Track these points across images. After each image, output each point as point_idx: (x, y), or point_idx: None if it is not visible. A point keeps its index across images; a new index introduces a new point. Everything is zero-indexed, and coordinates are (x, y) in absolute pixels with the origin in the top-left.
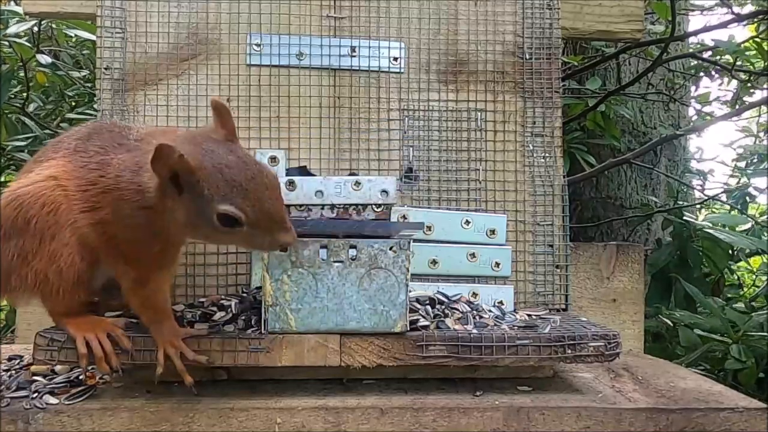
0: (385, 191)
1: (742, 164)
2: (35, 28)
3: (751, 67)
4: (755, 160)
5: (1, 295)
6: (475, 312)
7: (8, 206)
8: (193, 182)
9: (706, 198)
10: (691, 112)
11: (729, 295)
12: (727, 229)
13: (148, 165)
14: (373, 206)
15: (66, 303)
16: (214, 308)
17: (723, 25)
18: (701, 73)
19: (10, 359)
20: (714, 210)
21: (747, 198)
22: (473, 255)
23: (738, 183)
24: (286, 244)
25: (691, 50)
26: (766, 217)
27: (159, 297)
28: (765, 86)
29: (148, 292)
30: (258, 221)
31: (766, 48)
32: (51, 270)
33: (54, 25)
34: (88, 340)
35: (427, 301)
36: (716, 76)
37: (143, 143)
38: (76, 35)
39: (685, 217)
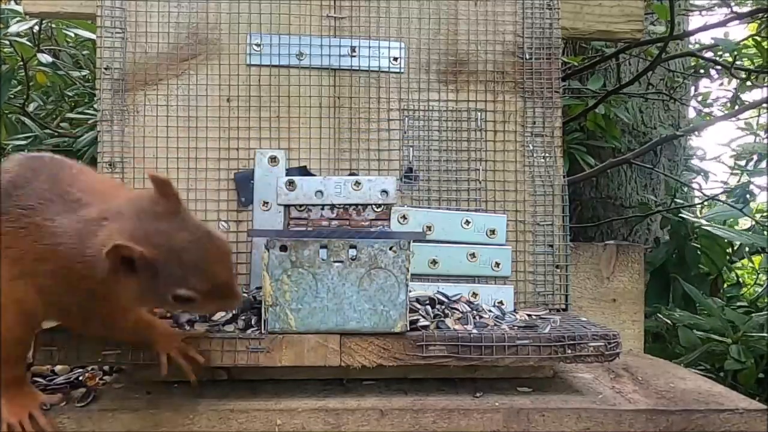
0: (385, 191)
1: (742, 162)
2: (35, 28)
3: (751, 65)
4: (755, 158)
5: None
6: (475, 312)
7: None
8: (149, 269)
9: (707, 198)
10: (691, 112)
11: (729, 295)
12: (725, 226)
13: (93, 240)
14: (373, 206)
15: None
16: None
17: (723, 23)
18: (701, 72)
19: None
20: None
21: (748, 196)
22: (473, 255)
23: (739, 180)
24: (231, 308)
25: (690, 50)
26: (766, 215)
27: (136, 326)
28: (765, 85)
29: (120, 331)
30: (210, 294)
31: (766, 46)
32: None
33: (54, 25)
34: (10, 425)
35: (427, 301)
36: (716, 75)
37: (81, 205)
38: (76, 34)
39: (682, 215)
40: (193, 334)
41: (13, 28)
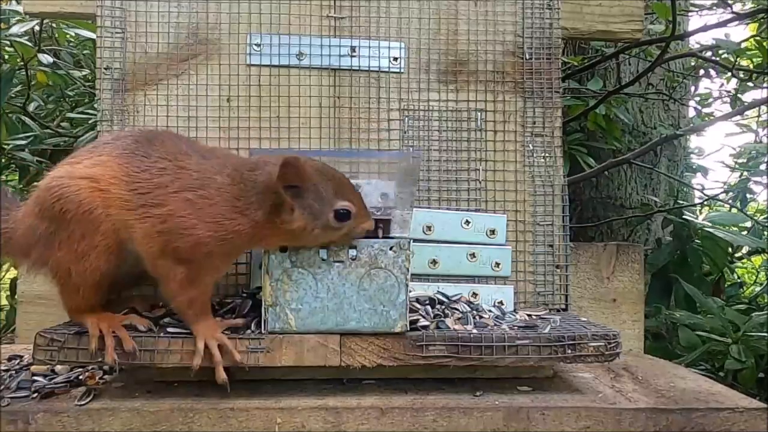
0: (384, 193)
1: (742, 161)
2: (36, 28)
3: (751, 65)
4: (755, 157)
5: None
6: (475, 312)
7: (48, 192)
8: (310, 188)
9: (707, 198)
10: (691, 112)
11: (729, 295)
12: (727, 227)
13: (258, 181)
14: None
15: (84, 302)
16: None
17: (723, 24)
18: (701, 72)
19: (10, 359)
20: (715, 209)
21: (747, 195)
22: (473, 255)
23: (740, 178)
24: (369, 228)
25: (690, 50)
26: (766, 216)
27: (206, 297)
28: (765, 85)
29: (196, 292)
30: (359, 213)
31: (766, 46)
32: (75, 268)
33: (54, 25)
34: (101, 329)
35: (427, 301)
36: (716, 75)
37: (213, 156)
38: (76, 34)
39: (685, 217)
40: (233, 323)
41: (15, 29)
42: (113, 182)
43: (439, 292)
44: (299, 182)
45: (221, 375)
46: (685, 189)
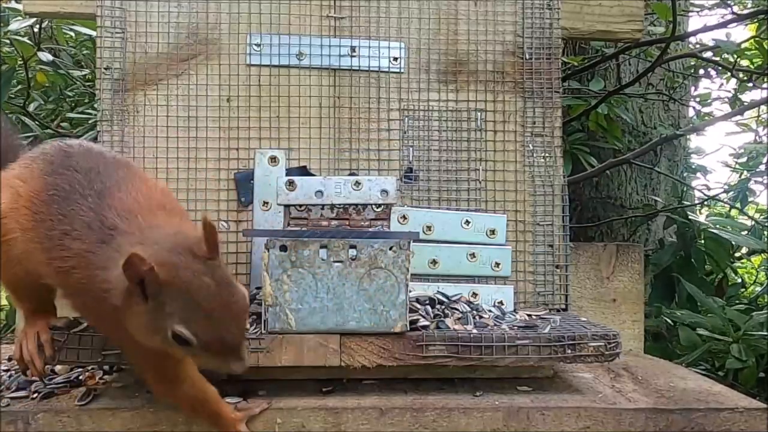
0: (385, 191)
1: (742, 160)
2: (36, 27)
3: (751, 65)
4: (755, 157)
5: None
6: (475, 312)
7: None
8: (158, 295)
9: (707, 198)
10: (691, 112)
11: (729, 295)
12: (729, 228)
13: (119, 265)
14: (373, 206)
15: (23, 305)
16: None
17: (723, 24)
18: (701, 72)
19: (10, 359)
20: (715, 209)
21: (747, 194)
22: (473, 255)
23: (740, 177)
24: (233, 372)
25: (690, 50)
26: (766, 216)
27: (201, 395)
28: (765, 85)
29: (184, 392)
30: (211, 347)
31: (766, 47)
32: (4, 277)
33: (54, 25)
34: (21, 342)
35: (427, 301)
36: (715, 75)
37: (118, 234)
38: (76, 32)
39: (690, 217)
40: (252, 413)
41: (13, 26)
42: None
43: (439, 292)
44: (146, 282)
45: None
46: (685, 189)
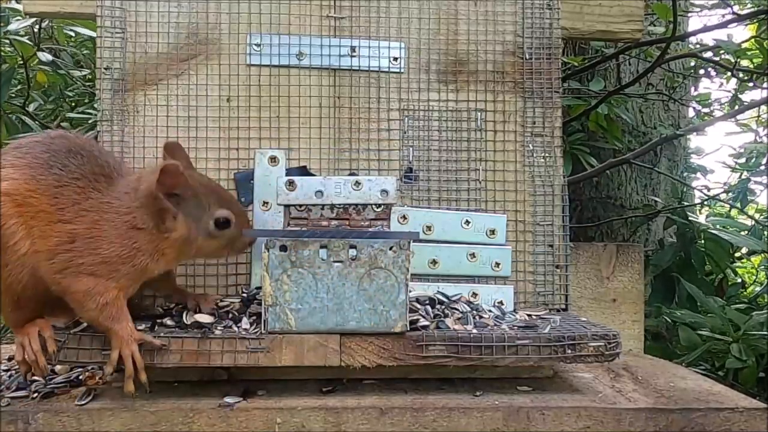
0: (385, 191)
1: (742, 161)
2: (36, 27)
3: (751, 65)
4: (754, 156)
5: None
6: (475, 312)
7: None
8: (191, 197)
9: (707, 198)
10: (691, 112)
11: (729, 295)
12: (729, 228)
13: (140, 190)
14: (373, 206)
15: (16, 315)
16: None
17: (723, 24)
18: (701, 72)
19: (10, 359)
20: (715, 209)
21: (747, 194)
22: (473, 255)
23: (740, 177)
24: (251, 241)
25: (690, 50)
26: (766, 216)
27: (119, 305)
28: (765, 85)
29: (105, 300)
30: (240, 218)
31: (767, 47)
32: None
33: (54, 24)
34: (23, 343)
35: (427, 301)
36: (715, 75)
37: (119, 176)
38: (76, 32)
39: (691, 218)
40: (151, 342)
41: (13, 26)
42: (33, 195)
43: (439, 292)
44: (178, 189)
45: (129, 387)
46: (685, 189)
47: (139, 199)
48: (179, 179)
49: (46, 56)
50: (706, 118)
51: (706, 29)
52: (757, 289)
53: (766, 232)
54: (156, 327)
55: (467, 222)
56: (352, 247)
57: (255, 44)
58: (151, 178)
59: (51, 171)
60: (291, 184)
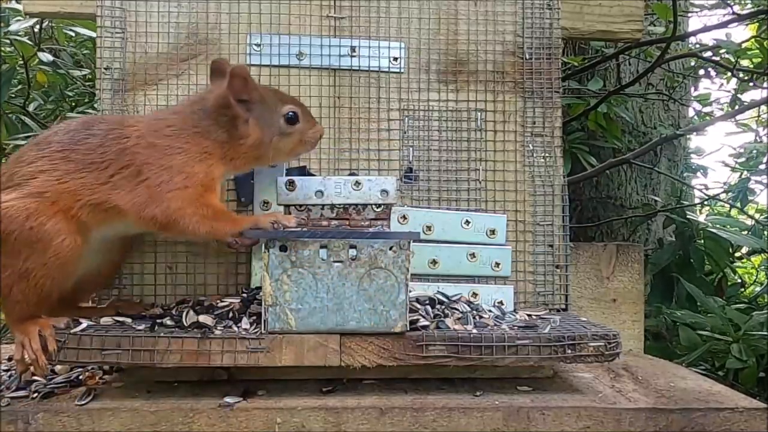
0: (385, 191)
1: (742, 160)
2: (36, 27)
3: (751, 65)
4: (755, 156)
5: None
6: (475, 312)
7: None
8: (258, 100)
9: (707, 197)
10: (691, 112)
11: (729, 295)
12: (728, 228)
13: (208, 101)
14: (373, 206)
15: (23, 312)
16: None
17: (723, 24)
18: (701, 72)
19: (10, 359)
20: (715, 209)
21: (747, 194)
22: (473, 255)
23: (740, 177)
24: (322, 132)
25: (690, 50)
26: (766, 216)
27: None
28: (765, 85)
29: (199, 215)
30: (304, 117)
31: (767, 47)
32: (18, 287)
33: (54, 24)
34: (23, 342)
35: (427, 301)
36: (715, 76)
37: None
38: (76, 33)
39: (689, 217)
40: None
41: (14, 26)
42: (64, 180)
43: (439, 292)
44: (247, 93)
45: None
46: (685, 189)
47: (208, 110)
48: (248, 82)
49: (46, 56)
50: (706, 118)
51: (705, 29)
52: (757, 289)
53: (766, 232)
54: (156, 327)
55: (467, 222)
56: (352, 247)
57: (255, 44)
58: (217, 91)
59: (77, 145)
60: (291, 184)
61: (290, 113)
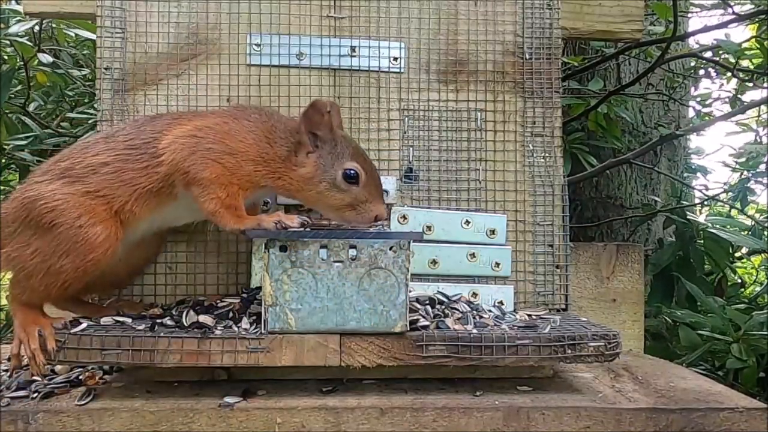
0: (385, 191)
1: (742, 160)
2: (36, 28)
3: (751, 65)
4: (754, 156)
5: None
6: (475, 312)
7: (41, 204)
8: (329, 139)
9: (707, 198)
10: (691, 112)
11: (729, 295)
12: (728, 228)
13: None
14: None
15: (33, 299)
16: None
17: (723, 24)
18: (701, 72)
19: (10, 359)
20: (715, 209)
21: (747, 194)
22: (473, 255)
23: (740, 177)
24: (380, 215)
25: (690, 50)
26: (766, 216)
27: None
28: (765, 85)
29: (227, 195)
30: (369, 185)
31: (767, 47)
32: (43, 280)
33: (54, 25)
34: (21, 339)
35: (427, 301)
36: (715, 76)
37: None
38: (76, 34)
39: (689, 218)
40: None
41: (14, 28)
42: (124, 171)
43: (439, 292)
44: (321, 129)
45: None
46: (685, 189)
47: (285, 128)
48: (323, 119)
49: (46, 57)
50: (706, 118)
51: (705, 29)
52: (757, 289)
53: (766, 232)
54: (156, 327)
55: (467, 222)
56: (352, 247)
57: (255, 44)
58: (300, 120)
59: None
60: None
61: (351, 171)
